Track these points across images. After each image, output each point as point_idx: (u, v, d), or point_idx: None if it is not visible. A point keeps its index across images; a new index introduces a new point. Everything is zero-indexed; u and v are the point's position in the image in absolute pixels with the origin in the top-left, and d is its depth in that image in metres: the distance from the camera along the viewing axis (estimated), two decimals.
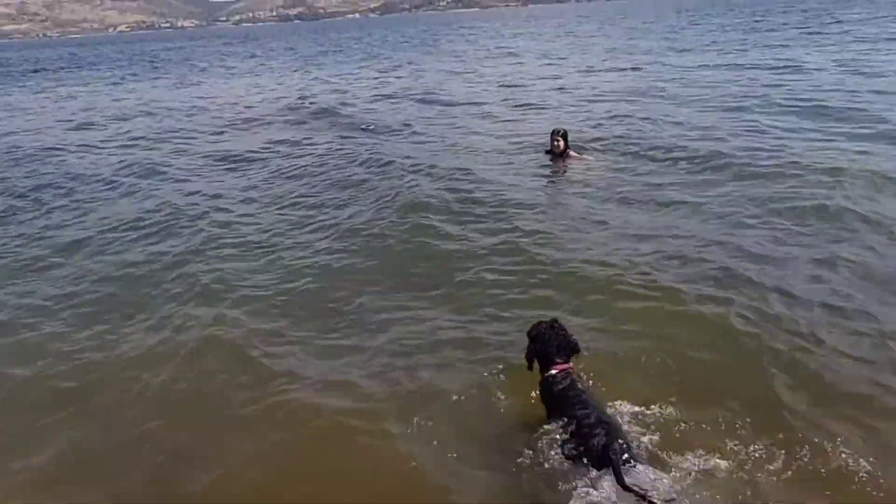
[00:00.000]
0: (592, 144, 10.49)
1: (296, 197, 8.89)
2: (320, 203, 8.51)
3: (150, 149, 13.32)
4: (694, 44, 28.82)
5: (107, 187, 10.17)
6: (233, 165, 11.30)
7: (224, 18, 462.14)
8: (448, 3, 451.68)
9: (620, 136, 10.88)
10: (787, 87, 14.28)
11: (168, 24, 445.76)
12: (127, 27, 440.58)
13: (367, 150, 11.29)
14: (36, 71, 44.99)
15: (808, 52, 21.00)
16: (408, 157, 10.54)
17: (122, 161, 12.14)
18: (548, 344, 3.92)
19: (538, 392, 3.82)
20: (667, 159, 9.19)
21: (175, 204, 8.66)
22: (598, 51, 30.10)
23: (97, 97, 24.33)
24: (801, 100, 12.77)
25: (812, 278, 5.13)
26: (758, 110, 12.13)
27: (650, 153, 9.59)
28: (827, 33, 27.69)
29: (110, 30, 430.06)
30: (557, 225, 6.90)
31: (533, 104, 15.48)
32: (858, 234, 5.86)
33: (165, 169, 11.23)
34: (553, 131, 9.76)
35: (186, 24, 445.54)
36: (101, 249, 7.23)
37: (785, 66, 17.93)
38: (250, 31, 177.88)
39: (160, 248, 7.09)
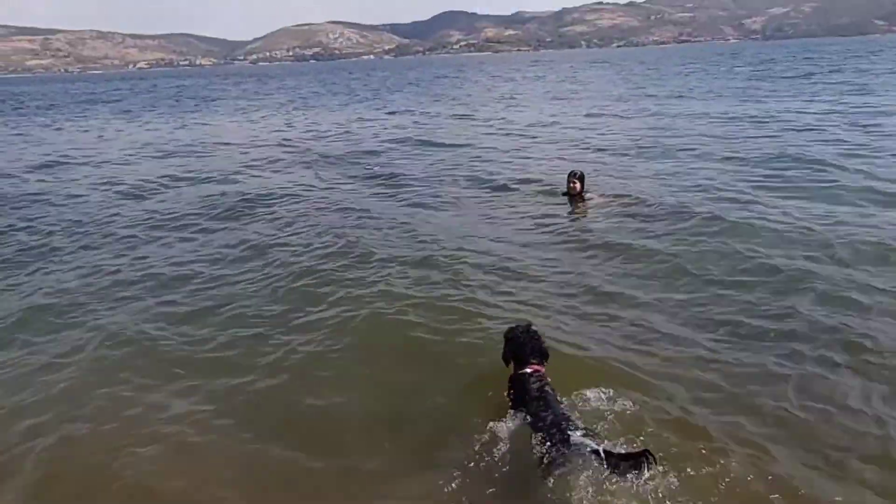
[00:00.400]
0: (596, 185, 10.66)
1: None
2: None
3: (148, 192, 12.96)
4: (692, 91, 30.89)
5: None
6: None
7: (241, 57, 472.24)
8: (461, 46, 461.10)
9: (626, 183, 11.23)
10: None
11: (187, 62, 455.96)
12: (146, 64, 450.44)
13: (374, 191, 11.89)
14: (51, 107, 45.06)
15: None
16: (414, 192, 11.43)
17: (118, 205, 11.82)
18: (523, 346, 4.41)
19: (508, 387, 4.30)
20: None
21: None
22: (604, 97, 31.22)
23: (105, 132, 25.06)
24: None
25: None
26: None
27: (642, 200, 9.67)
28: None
29: (130, 66, 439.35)
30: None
31: (538, 147, 16.11)
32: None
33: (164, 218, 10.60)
34: (570, 173, 9.85)
35: (205, 62, 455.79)
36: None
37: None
38: (266, 70, 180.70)
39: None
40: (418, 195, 11.23)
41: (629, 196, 9.80)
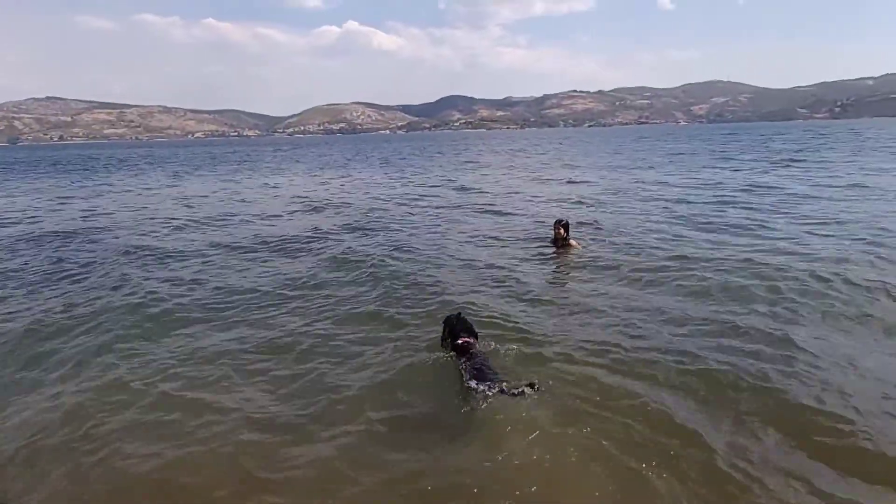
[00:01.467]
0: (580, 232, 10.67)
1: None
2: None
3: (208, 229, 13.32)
4: (661, 162, 31.34)
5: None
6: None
7: (281, 130, 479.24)
8: (460, 124, 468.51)
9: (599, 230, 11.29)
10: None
11: (236, 133, 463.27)
12: (202, 134, 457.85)
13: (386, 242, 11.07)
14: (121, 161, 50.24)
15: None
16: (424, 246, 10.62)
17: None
18: (455, 326, 5.23)
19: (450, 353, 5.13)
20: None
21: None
22: (581, 163, 33.02)
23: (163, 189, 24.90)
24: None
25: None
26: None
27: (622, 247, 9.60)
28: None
29: (189, 136, 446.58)
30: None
31: (523, 206, 15.54)
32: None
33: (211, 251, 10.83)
34: (556, 221, 9.37)
35: (250, 133, 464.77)
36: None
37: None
38: (300, 140, 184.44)
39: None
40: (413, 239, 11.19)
41: (605, 241, 9.83)
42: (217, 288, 8.07)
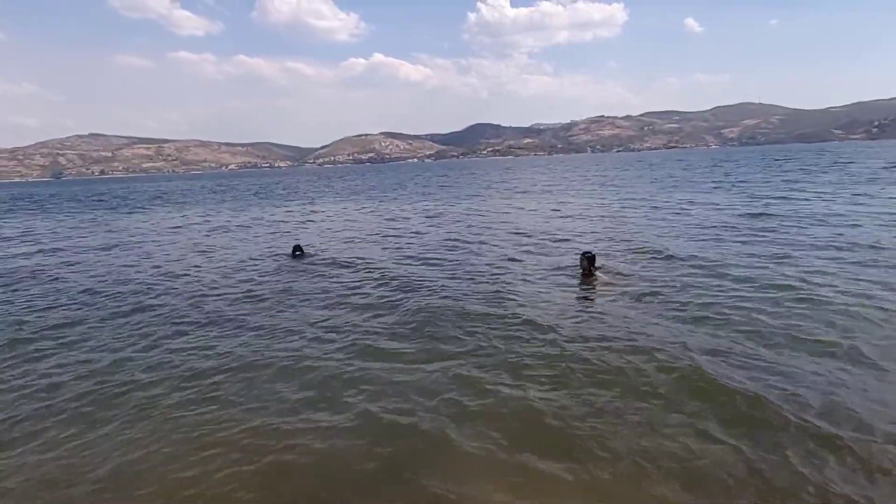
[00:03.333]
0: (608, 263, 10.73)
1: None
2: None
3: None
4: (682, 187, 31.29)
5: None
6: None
7: (311, 160, 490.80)
8: (488, 151, 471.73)
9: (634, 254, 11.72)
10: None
11: (268, 164, 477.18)
12: (236, 166, 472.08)
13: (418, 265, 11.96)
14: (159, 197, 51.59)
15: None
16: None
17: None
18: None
19: None
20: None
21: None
22: (610, 190, 32.09)
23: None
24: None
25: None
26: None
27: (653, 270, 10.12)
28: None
29: (223, 168, 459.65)
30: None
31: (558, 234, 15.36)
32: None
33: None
34: (581, 255, 9.83)
35: (282, 164, 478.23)
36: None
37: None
38: (331, 171, 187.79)
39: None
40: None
41: (632, 276, 9.83)
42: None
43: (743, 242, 12.47)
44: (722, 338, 6.56)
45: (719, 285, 8.79)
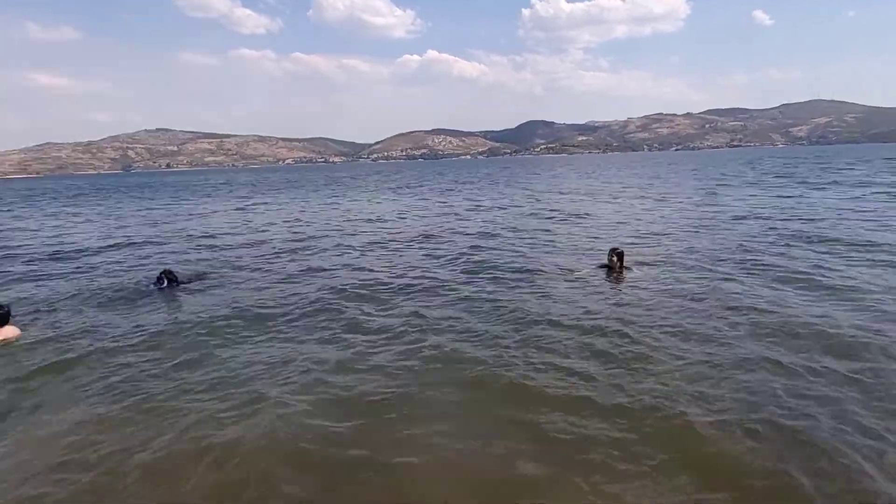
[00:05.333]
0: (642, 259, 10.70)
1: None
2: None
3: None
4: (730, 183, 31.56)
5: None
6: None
7: (365, 156, 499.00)
8: (542, 149, 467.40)
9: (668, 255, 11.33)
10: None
11: (323, 160, 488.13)
12: (293, 161, 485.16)
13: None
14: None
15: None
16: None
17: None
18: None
19: None
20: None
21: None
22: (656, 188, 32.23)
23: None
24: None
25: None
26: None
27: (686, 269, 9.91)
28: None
29: (280, 162, 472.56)
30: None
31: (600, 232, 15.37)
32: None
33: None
34: (610, 250, 9.80)
35: (336, 159, 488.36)
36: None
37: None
38: (383, 167, 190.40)
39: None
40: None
41: (661, 268, 9.94)
42: None
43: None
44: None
45: None
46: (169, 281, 9.57)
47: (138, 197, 44.07)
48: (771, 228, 14.30)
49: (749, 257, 10.75)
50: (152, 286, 9.65)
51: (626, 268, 9.69)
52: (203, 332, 7.41)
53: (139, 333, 7.43)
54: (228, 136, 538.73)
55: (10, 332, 7.34)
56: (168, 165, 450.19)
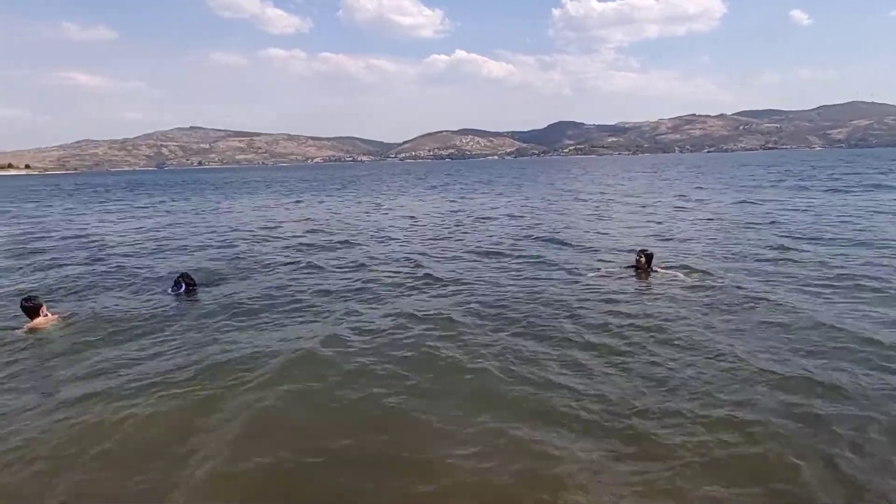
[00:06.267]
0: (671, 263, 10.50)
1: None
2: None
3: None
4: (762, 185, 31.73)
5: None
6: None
7: (393, 155, 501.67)
8: (570, 150, 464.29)
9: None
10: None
11: (351, 158, 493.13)
12: (321, 159, 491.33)
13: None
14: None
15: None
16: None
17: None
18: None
19: None
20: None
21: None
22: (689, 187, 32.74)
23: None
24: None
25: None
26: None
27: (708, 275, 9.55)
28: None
29: (309, 160, 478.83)
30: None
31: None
32: None
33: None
34: (638, 251, 9.83)
35: (364, 158, 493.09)
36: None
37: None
38: (410, 167, 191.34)
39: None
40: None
41: (690, 272, 9.68)
42: None
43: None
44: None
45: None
46: (187, 286, 9.12)
47: (203, 192, 46.13)
48: (813, 235, 13.58)
49: (785, 267, 10.14)
50: (170, 291, 9.15)
51: (654, 270, 9.51)
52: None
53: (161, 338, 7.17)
54: (258, 134, 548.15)
55: (42, 321, 7.58)
56: (200, 163, 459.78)
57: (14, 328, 7.54)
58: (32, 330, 7.44)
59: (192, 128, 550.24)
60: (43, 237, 17.91)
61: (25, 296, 7.96)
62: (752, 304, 7.69)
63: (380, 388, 5.41)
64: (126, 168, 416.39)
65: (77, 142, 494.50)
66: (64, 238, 17.53)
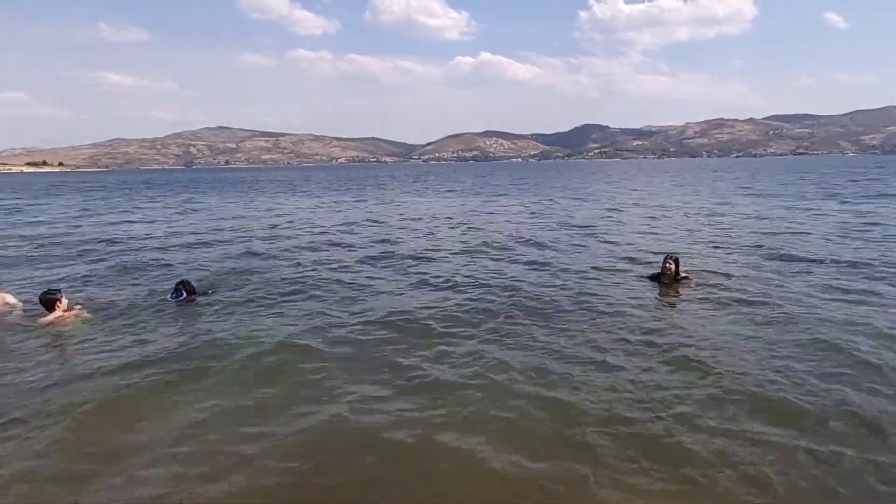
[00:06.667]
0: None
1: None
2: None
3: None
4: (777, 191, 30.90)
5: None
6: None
7: (416, 157, 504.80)
8: (595, 153, 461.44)
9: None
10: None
11: (375, 159, 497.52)
12: (345, 160, 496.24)
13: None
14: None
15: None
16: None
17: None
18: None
19: None
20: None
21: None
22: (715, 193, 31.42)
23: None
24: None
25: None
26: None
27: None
28: None
29: (333, 161, 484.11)
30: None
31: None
32: None
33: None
34: (665, 257, 9.28)
35: (388, 159, 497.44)
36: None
37: None
38: (433, 168, 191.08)
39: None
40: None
41: (719, 283, 9.14)
42: None
43: None
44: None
45: None
46: (187, 292, 8.60)
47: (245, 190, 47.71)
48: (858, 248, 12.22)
49: (824, 280, 9.24)
50: (169, 298, 8.57)
51: (684, 277, 8.99)
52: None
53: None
54: (284, 134, 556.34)
55: (61, 317, 7.45)
56: (226, 162, 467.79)
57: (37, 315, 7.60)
58: (51, 324, 7.28)
59: (219, 127, 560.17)
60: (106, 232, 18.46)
61: (46, 288, 7.91)
62: (791, 321, 6.97)
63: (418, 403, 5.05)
64: (155, 166, 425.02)
65: (109, 140, 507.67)
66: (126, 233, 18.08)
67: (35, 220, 23.18)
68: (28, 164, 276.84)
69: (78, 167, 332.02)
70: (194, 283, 8.99)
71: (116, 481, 3.90)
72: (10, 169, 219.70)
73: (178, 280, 8.94)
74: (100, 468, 4.05)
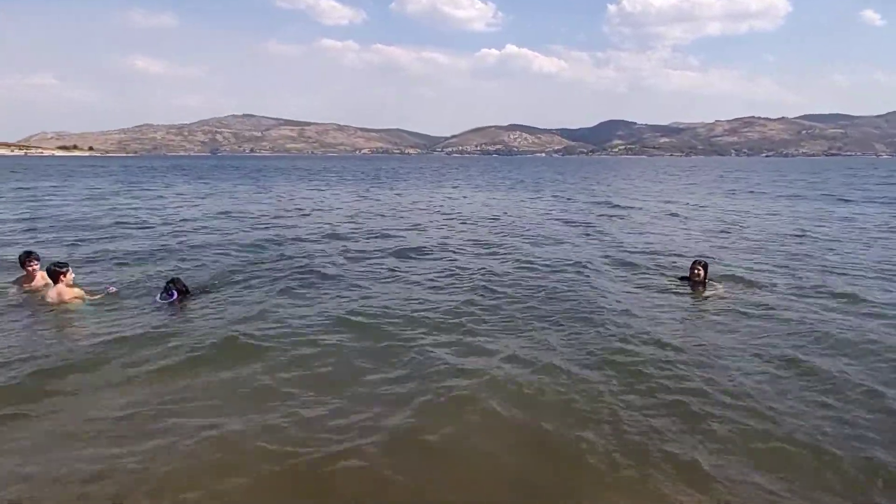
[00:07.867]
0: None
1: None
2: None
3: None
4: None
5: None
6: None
7: (440, 149, 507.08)
8: (620, 149, 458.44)
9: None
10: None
11: (398, 151, 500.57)
12: (369, 150, 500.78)
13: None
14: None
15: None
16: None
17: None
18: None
19: None
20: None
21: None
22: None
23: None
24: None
25: None
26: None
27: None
28: None
29: (357, 151, 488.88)
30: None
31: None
32: None
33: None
34: (694, 262, 9.10)
35: (411, 151, 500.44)
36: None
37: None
38: (456, 161, 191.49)
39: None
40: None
41: (749, 288, 8.97)
42: None
43: None
44: None
45: None
46: (178, 292, 8.02)
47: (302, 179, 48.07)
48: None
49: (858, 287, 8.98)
50: (158, 300, 7.96)
51: (711, 282, 8.91)
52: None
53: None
54: (309, 123, 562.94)
55: (60, 289, 7.50)
56: (252, 150, 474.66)
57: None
58: (61, 301, 7.40)
59: (245, 115, 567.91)
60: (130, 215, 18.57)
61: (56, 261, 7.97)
62: (825, 332, 6.73)
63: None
64: (182, 153, 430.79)
65: (137, 126, 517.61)
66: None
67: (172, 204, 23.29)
68: (60, 147, 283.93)
69: (107, 152, 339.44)
70: (183, 282, 8.28)
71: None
72: (41, 152, 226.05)
73: (167, 279, 8.24)
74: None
